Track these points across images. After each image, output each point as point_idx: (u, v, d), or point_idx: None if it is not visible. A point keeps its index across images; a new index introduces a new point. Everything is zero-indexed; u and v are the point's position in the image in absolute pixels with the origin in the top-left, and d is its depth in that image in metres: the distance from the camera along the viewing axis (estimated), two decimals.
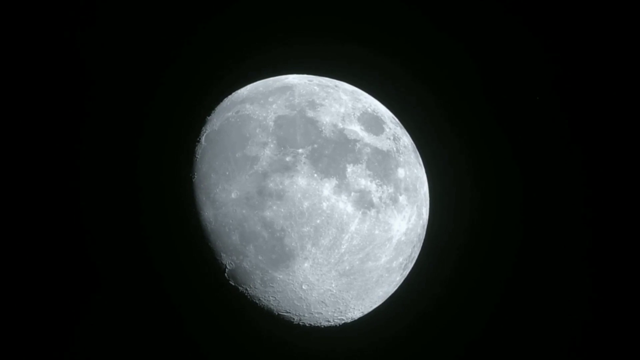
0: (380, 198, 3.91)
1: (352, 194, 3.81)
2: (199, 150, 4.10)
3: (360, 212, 3.82)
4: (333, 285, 3.94)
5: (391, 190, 3.99)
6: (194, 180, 4.02)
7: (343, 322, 4.32)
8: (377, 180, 3.91)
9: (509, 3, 5.70)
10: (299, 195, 3.73)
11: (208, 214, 3.90)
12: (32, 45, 5.26)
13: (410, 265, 4.42)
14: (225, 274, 3.98)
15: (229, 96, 4.43)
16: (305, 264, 3.82)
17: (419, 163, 4.43)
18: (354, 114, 4.09)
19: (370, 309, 4.37)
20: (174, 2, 5.48)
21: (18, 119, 5.21)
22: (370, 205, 3.86)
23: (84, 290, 5.20)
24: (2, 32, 5.18)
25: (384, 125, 4.20)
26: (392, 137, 4.17)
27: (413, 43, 5.64)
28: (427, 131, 4.94)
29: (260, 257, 3.81)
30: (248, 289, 3.99)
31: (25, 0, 5.18)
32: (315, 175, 3.75)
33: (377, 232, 3.91)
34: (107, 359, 5.16)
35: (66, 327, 5.15)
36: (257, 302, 4.06)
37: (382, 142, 4.07)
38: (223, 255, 3.92)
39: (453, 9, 5.67)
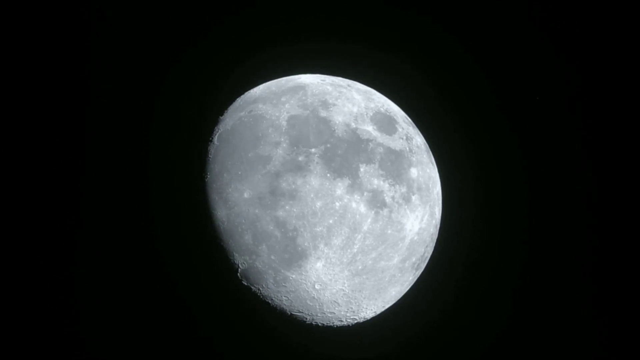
0: (393, 198, 3.90)
1: (365, 193, 3.80)
2: (212, 150, 4.11)
3: (373, 212, 3.82)
4: (346, 285, 3.94)
5: (404, 189, 3.98)
6: (206, 180, 4.03)
7: (356, 321, 4.31)
8: (389, 180, 3.90)
9: (522, 5, 5.69)
10: (311, 195, 3.73)
11: (221, 213, 3.91)
12: (42, 46, 5.29)
13: (423, 265, 4.41)
14: (238, 274, 3.99)
15: (242, 96, 4.44)
16: (318, 264, 3.82)
17: (432, 163, 4.42)
18: (366, 114, 4.09)
19: (383, 309, 4.36)
20: (187, 0, 5.51)
21: (28, 123, 5.24)
22: (383, 204, 3.86)
23: (93, 290, 5.22)
24: (17, 32, 5.21)
25: (396, 125, 4.19)
26: (404, 137, 4.17)
27: (426, 43, 5.64)
28: (439, 131, 4.92)
29: (272, 257, 3.82)
30: (261, 288, 4.00)
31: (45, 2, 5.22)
32: (328, 175, 3.75)
33: (389, 231, 3.91)
34: (118, 358, 5.18)
35: (76, 327, 5.18)
36: (270, 301, 4.07)
37: (395, 142, 4.06)
38: (236, 255, 3.93)
39: (465, 11, 5.66)
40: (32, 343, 5.06)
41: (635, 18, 5.53)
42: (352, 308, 4.11)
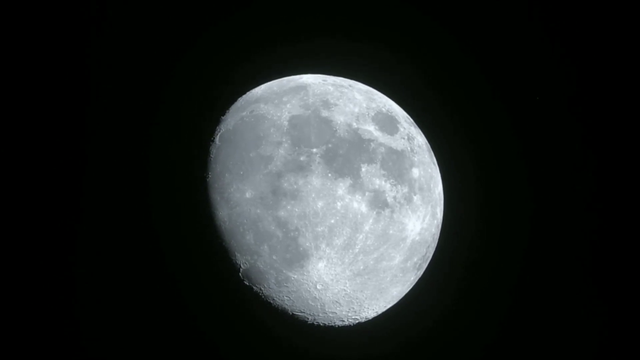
0: (394, 198, 3.90)
1: (367, 193, 3.80)
2: (213, 149, 4.10)
3: (374, 212, 3.82)
4: (347, 285, 3.94)
5: (405, 190, 3.98)
6: (208, 179, 4.03)
7: (357, 321, 4.31)
8: (391, 180, 3.90)
9: (522, 5, 5.70)
10: (313, 195, 3.73)
11: (222, 213, 3.91)
12: (42, 46, 5.28)
13: (425, 265, 4.41)
14: (240, 274, 3.99)
15: (243, 96, 4.44)
16: (320, 264, 3.82)
17: (433, 163, 4.42)
18: (368, 114, 4.09)
19: (384, 309, 4.37)
20: (188, 0, 5.50)
21: (28, 123, 5.24)
22: (385, 205, 3.85)
23: (93, 290, 5.22)
24: (18, 32, 5.21)
25: (398, 125, 4.20)
26: (406, 137, 4.17)
27: (427, 43, 5.64)
28: (441, 131, 4.93)
29: (274, 257, 3.81)
30: (262, 288, 3.99)
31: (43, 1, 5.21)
32: (330, 175, 3.75)
33: (391, 231, 3.91)
34: (119, 358, 5.18)
35: (76, 327, 5.17)
36: (272, 301, 4.07)
37: (397, 142, 4.06)
38: (237, 254, 3.92)
39: (467, 11, 5.67)
40: (32, 343, 5.06)
41: (636, 18, 5.53)
42: (353, 308, 4.11)
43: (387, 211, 3.87)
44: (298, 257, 3.80)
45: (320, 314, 4.10)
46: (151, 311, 5.12)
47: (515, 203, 5.69)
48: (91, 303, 5.19)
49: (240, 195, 3.82)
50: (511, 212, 5.69)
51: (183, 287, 4.81)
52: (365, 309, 4.19)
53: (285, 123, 3.92)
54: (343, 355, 4.95)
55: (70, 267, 5.18)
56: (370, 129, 3.99)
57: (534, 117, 5.76)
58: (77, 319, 5.16)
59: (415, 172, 4.09)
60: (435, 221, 4.32)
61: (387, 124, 4.12)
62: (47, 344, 5.08)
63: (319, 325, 4.23)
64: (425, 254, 4.29)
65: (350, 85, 4.32)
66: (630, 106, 5.62)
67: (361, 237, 3.80)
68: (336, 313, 4.11)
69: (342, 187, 3.75)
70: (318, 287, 3.90)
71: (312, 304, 4.01)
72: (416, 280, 4.42)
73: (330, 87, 4.21)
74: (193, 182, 4.14)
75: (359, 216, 3.78)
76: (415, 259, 4.18)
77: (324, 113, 3.97)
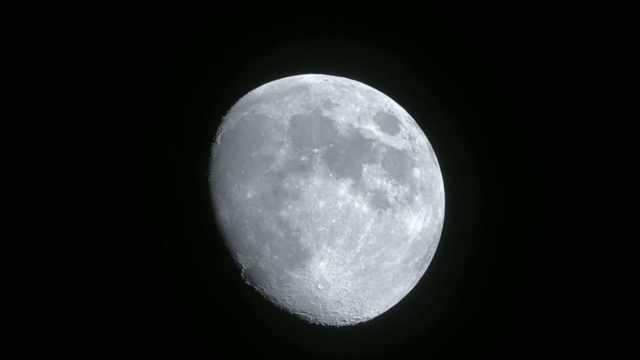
0: (396, 198, 3.90)
1: (368, 193, 3.80)
2: (215, 149, 4.10)
3: (376, 212, 3.82)
4: (349, 285, 3.93)
5: (407, 189, 3.98)
6: (209, 179, 4.02)
7: (359, 321, 4.31)
8: (392, 180, 3.90)
9: (522, 6, 5.71)
10: (314, 195, 3.72)
11: (223, 213, 3.90)
12: (42, 46, 5.27)
13: (426, 265, 4.41)
14: (241, 274, 3.98)
15: (245, 96, 4.43)
16: (321, 264, 3.81)
17: (435, 163, 4.41)
18: (369, 114, 4.08)
19: (386, 309, 4.36)
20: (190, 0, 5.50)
21: (28, 123, 5.23)
22: (386, 204, 3.85)
23: (93, 290, 5.21)
24: (18, 32, 5.20)
25: (399, 125, 4.19)
26: (407, 137, 4.16)
27: (428, 43, 5.64)
28: (442, 131, 4.94)
29: (275, 257, 3.81)
30: (264, 288, 3.99)
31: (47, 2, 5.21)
32: (331, 175, 3.75)
33: (392, 231, 3.91)
34: (119, 358, 5.17)
35: (76, 327, 5.16)
36: (273, 302, 4.06)
37: (398, 142, 4.06)
38: (238, 255, 3.92)
39: (467, 11, 5.67)
40: (32, 343, 5.05)
41: (636, 18, 5.54)
42: (355, 308, 4.11)
43: (388, 211, 3.86)
44: (299, 257, 3.80)
45: (322, 314, 4.10)
46: (152, 311, 5.11)
47: (516, 203, 5.70)
48: (91, 303, 5.18)
49: (242, 195, 3.82)
50: (511, 212, 5.69)
51: (184, 287, 4.81)
52: (366, 309, 4.19)
53: (287, 123, 3.91)
54: (344, 355, 4.95)
55: (70, 267, 5.18)
56: (372, 129, 3.99)
57: (534, 117, 5.77)
58: (77, 319, 5.15)
59: (417, 172, 4.09)
60: (437, 221, 4.32)
61: (389, 124, 4.12)
62: (47, 344, 5.07)
63: (320, 326, 4.23)
64: (427, 253, 4.29)
65: (351, 85, 4.32)
66: (630, 106, 5.63)
67: (363, 237, 3.80)
68: (338, 313, 4.11)
69: (343, 187, 3.75)
70: (319, 287, 3.90)
71: (314, 304, 4.00)
72: (418, 280, 4.42)
73: (331, 87, 4.21)
74: (194, 182, 4.14)
75: (361, 216, 3.78)
76: (417, 259, 4.18)
77: (326, 113, 3.96)
